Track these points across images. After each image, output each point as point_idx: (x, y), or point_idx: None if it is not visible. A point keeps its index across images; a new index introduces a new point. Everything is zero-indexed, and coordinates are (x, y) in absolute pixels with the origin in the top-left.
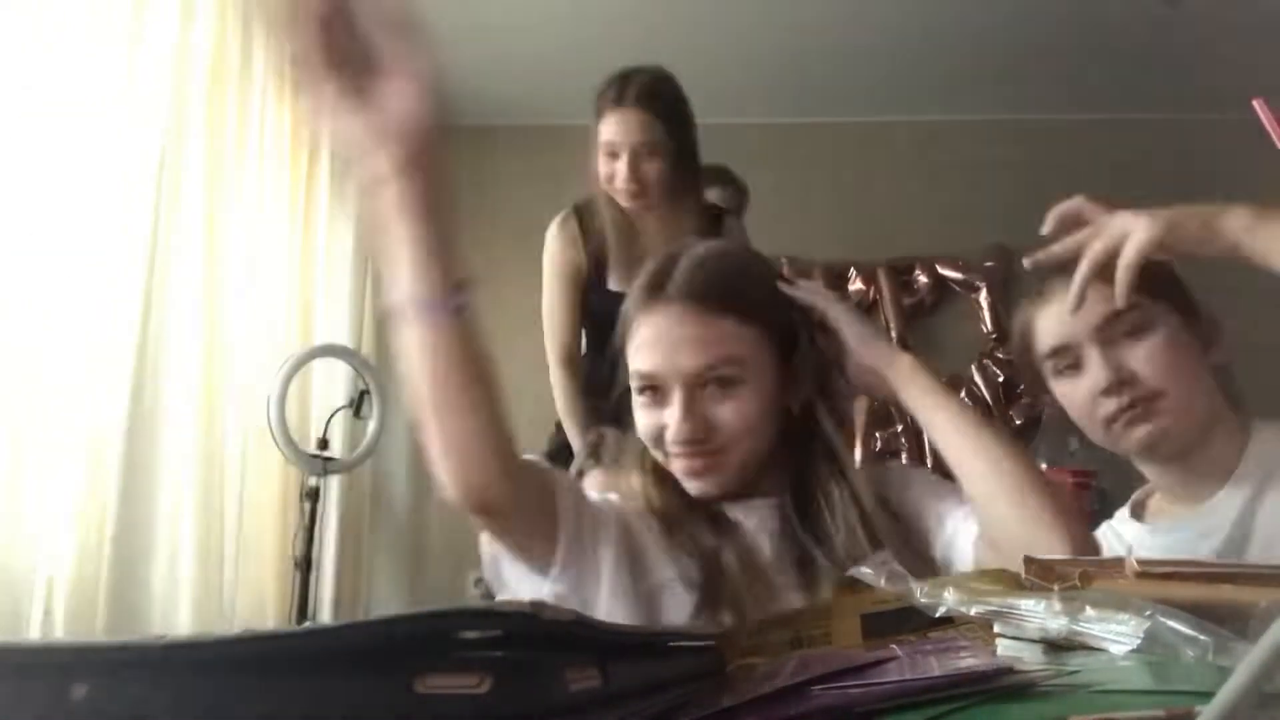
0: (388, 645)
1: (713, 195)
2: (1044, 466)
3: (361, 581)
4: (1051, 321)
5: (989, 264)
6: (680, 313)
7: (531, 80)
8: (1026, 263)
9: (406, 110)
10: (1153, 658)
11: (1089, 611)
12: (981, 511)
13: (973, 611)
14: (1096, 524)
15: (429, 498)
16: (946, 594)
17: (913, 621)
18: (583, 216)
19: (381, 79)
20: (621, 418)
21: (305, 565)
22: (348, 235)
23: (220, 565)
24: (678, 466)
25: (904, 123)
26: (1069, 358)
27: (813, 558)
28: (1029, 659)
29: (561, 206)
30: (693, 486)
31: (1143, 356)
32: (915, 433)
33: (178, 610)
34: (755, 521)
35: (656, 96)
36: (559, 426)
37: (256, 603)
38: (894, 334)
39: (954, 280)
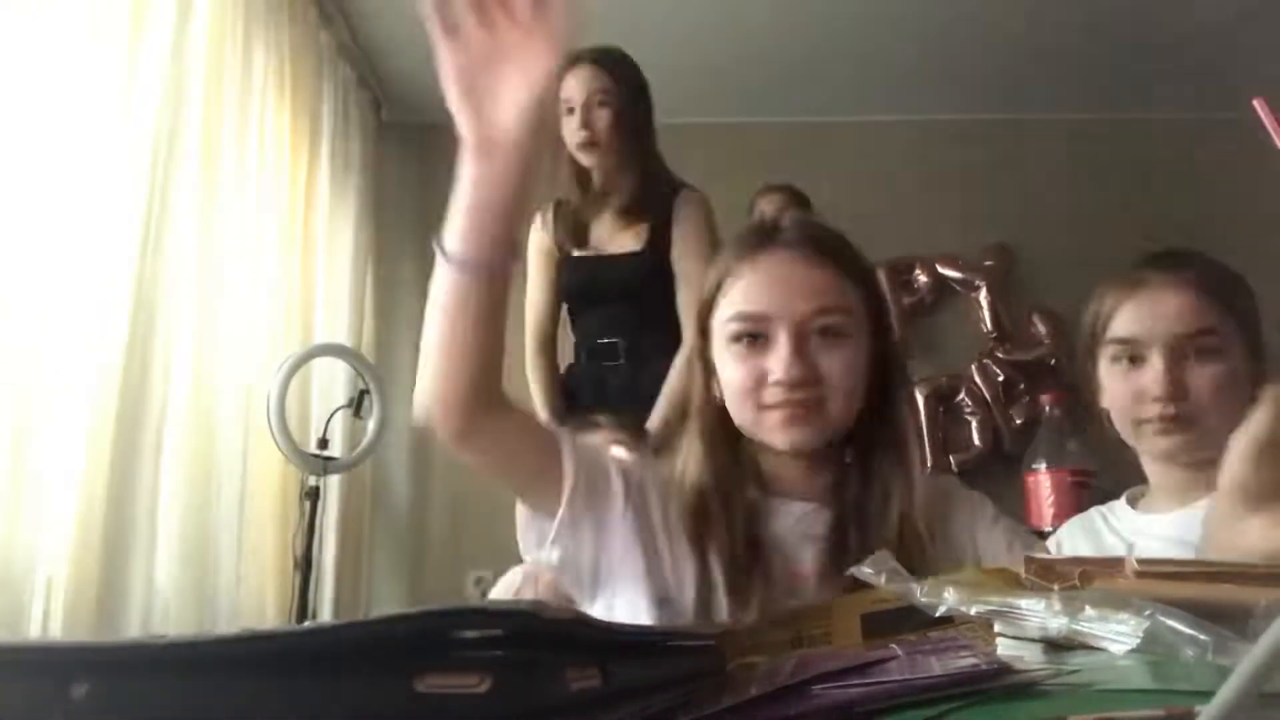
0: (388, 645)
1: (768, 204)
2: (1044, 466)
3: (361, 581)
4: (1132, 314)
5: (989, 264)
6: (794, 257)
7: None
8: None
9: (518, 106)
10: (1153, 657)
11: (1089, 611)
12: None
13: (973, 611)
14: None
15: (429, 498)
16: (946, 594)
17: (913, 621)
18: (558, 203)
19: (520, 37)
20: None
21: (305, 565)
22: (348, 235)
23: (219, 565)
24: (775, 417)
25: (904, 123)
26: (1133, 350)
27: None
28: (1029, 659)
29: None
30: (789, 436)
31: (1203, 380)
32: (917, 432)
33: (177, 610)
34: (797, 525)
35: (608, 54)
36: None
37: (256, 603)
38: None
39: (954, 280)
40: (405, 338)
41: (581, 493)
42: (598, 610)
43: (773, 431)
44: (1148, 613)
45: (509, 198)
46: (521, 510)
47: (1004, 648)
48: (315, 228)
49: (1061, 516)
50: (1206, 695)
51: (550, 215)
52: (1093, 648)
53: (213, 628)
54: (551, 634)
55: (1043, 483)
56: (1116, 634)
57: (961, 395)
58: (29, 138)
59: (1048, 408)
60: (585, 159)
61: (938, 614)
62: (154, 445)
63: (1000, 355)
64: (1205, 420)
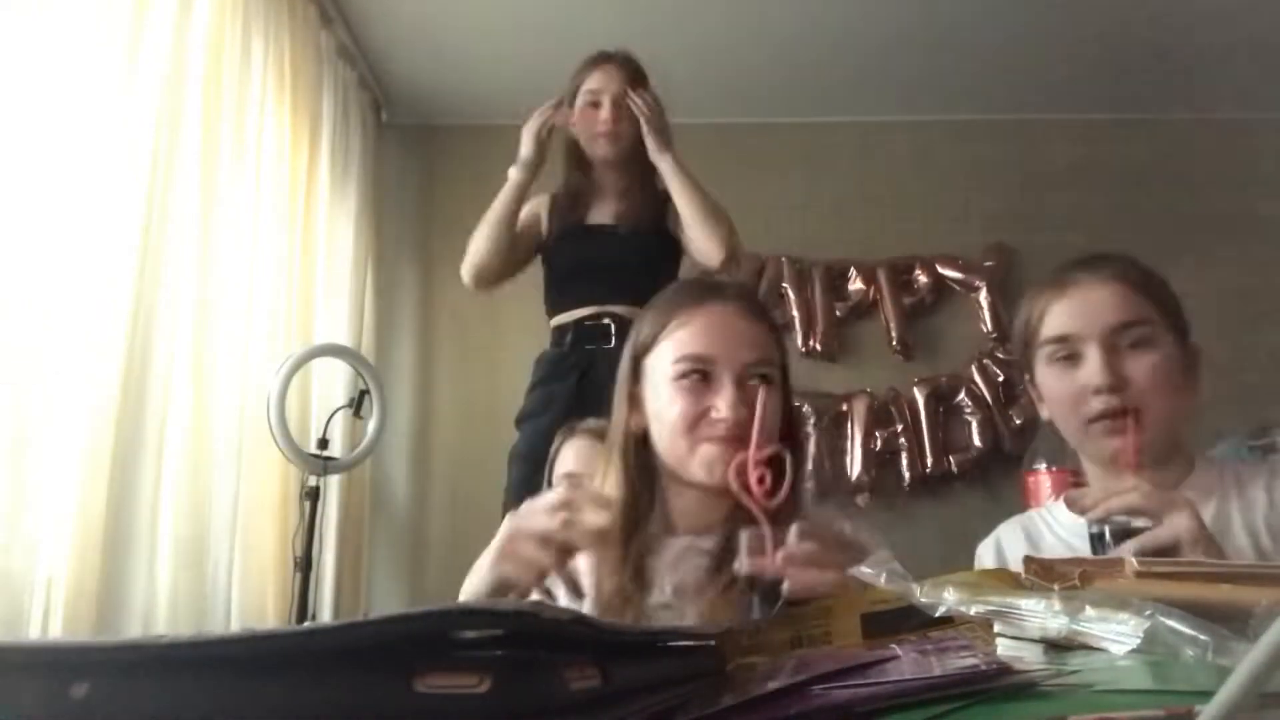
0: (388, 644)
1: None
2: (1044, 466)
3: (361, 581)
4: (1064, 312)
5: (989, 264)
6: (737, 310)
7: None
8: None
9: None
10: (1153, 658)
11: (1089, 611)
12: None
13: (973, 611)
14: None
15: (429, 498)
16: (946, 594)
17: (913, 621)
18: (554, 197)
19: None
20: None
21: (305, 565)
22: (348, 235)
23: (219, 565)
24: (710, 452)
25: (904, 123)
26: (1069, 349)
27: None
28: (1029, 659)
29: None
30: (718, 472)
31: (1140, 369)
32: (915, 432)
33: (177, 610)
34: (684, 553)
35: (634, 62)
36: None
37: (256, 603)
38: (894, 333)
39: (954, 280)
40: (405, 338)
41: None
42: None
43: (705, 466)
44: (1148, 613)
45: None
46: None
47: (1004, 648)
48: (315, 228)
49: None
50: (1206, 695)
51: (548, 197)
52: (1093, 648)
53: (213, 628)
54: (551, 634)
55: (1042, 483)
56: (1116, 634)
57: (961, 395)
58: (29, 139)
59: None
60: (600, 149)
61: (938, 614)
62: (154, 445)
63: (1000, 355)
64: (1148, 411)
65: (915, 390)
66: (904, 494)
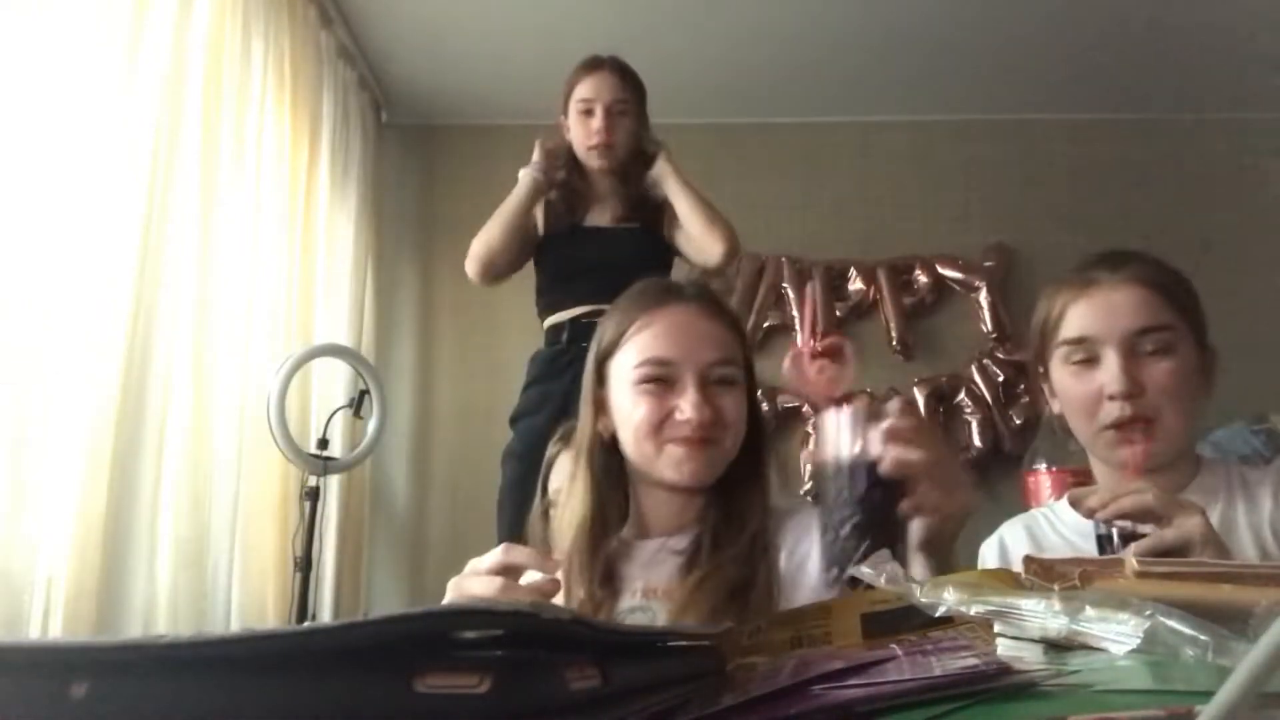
0: (388, 645)
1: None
2: (1044, 466)
3: (361, 581)
4: (1084, 314)
5: (989, 264)
6: (697, 310)
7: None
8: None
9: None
10: (1153, 658)
11: (1089, 611)
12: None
13: (973, 611)
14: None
15: (429, 498)
16: (946, 594)
17: (913, 621)
18: (547, 202)
19: None
20: None
21: (305, 565)
22: (348, 236)
23: (219, 565)
24: (677, 453)
25: (904, 123)
26: (1087, 351)
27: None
28: (1029, 659)
29: None
30: (690, 468)
31: (1158, 375)
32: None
33: (177, 610)
34: (656, 554)
35: (627, 69)
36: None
37: (256, 603)
38: (894, 334)
39: (954, 280)
40: (405, 338)
41: None
42: None
43: (673, 466)
44: (1148, 613)
45: None
46: None
47: (1004, 648)
48: (315, 228)
49: None
50: (1206, 695)
51: (542, 209)
52: (1093, 648)
53: (213, 628)
54: (551, 634)
55: (1043, 483)
56: (1116, 634)
57: (961, 395)
58: (29, 139)
59: (1048, 408)
60: (595, 160)
61: (938, 614)
62: (154, 445)
63: (1000, 355)
64: (1163, 419)
65: (915, 390)
66: None
